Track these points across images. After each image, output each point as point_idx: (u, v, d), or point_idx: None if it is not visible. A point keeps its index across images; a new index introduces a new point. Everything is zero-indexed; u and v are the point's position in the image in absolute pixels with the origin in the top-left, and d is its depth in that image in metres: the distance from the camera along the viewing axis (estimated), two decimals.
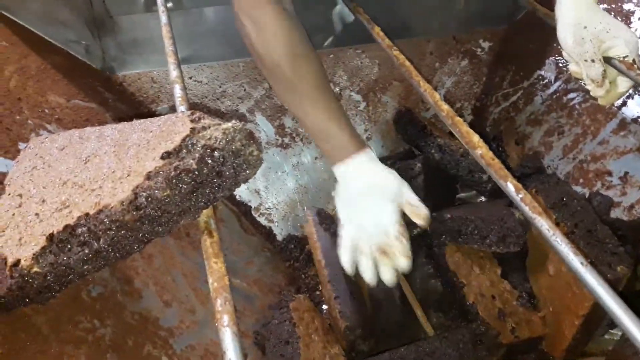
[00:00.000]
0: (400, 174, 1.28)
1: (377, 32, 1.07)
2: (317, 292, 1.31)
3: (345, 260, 0.84)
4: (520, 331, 1.05)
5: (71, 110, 1.14)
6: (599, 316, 0.98)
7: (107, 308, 0.84)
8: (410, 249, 0.82)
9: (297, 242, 1.45)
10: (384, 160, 1.54)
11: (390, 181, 0.85)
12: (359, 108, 1.54)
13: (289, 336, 1.03)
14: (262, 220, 1.46)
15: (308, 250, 1.40)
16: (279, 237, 1.46)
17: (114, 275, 0.90)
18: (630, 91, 1.21)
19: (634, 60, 0.89)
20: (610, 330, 1.04)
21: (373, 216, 0.83)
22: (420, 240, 1.28)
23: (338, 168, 0.86)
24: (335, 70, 1.49)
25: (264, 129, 1.46)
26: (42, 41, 1.16)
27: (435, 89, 1.57)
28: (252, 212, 1.45)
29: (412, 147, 1.50)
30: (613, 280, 0.91)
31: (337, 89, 1.50)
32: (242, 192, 1.45)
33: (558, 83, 1.42)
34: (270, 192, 1.48)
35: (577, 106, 1.36)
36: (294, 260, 1.42)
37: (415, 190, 1.26)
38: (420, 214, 0.83)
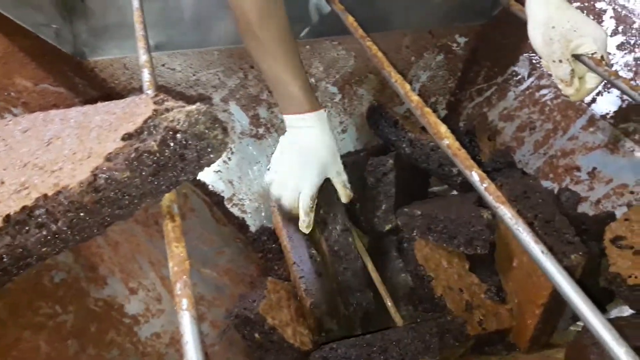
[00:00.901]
0: (372, 170, 1.30)
1: (350, 22, 1.07)
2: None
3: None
4: (487, 323, 1.05)
5: (38, 94, 1.11)
6: (558, 305, 1.00)
7: (70, 294, 0.83)
8: (312, 221, 1.07)
9: (270, 234, 1.44)
10: (358, 152, 1.55)
11: (325, 153, 1.02)
12: (334, 100, 1.53)
13: (256, 297, 1.03)
14: (235, 211, 1.45)
15: (280, 241, 1.40)
16: (252, 229, 1.45)
17: (78, 262, 0.88)
18: (600, 88, 1.23)
19: (602, 56, 0.90)
20: (576, 323, 1.06)
21: (296, 178, 1.03)
22: (392, 235, 1.28)
23: (288, 116, 1.02)
24: (311, 61, 1.48)
25: (238, 119, 1.45)
26: (10, 23, 1.13)
27: (411, 83, 1.58)
28: (225, 203, 1.44)
29: (386, 142, 1.50)
30: (568, 267, 0.93)
31: (313, 80, 1.49)
32: (215, 182, 1.43)
33: (531, 79, 1.44)
34: (243, 182, 1.47)
35: (548, 102, 1.37)
36: (266, 251, 1.41)
37: (387, 186, 1.28)
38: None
